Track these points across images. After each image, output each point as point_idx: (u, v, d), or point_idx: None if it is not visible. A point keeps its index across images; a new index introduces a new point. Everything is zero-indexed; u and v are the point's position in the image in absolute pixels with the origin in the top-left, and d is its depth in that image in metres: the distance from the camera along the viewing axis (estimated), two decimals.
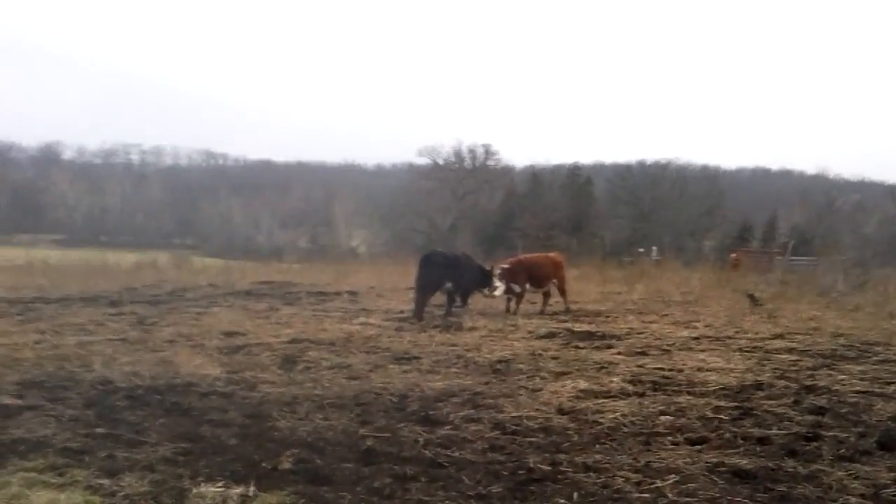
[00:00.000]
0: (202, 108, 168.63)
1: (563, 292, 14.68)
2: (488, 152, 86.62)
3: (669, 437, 5.49)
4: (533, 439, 5.47)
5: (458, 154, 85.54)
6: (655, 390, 7.06)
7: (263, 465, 4.88)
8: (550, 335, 10.74)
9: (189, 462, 4.95)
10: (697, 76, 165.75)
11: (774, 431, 5.58)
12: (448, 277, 12.92)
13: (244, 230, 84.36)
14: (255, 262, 40.42)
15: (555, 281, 14.45)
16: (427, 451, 5.15)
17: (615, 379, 7.41)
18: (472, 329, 11.31)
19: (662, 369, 8.05)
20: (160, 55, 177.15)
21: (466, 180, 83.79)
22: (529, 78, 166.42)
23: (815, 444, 5.31)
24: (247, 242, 78.78)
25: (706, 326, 11.78)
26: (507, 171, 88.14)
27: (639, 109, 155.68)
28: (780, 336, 10.65)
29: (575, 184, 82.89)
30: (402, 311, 13.30)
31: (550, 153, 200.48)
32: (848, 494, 4.39)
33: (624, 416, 6.04)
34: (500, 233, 73.44)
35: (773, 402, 6.57)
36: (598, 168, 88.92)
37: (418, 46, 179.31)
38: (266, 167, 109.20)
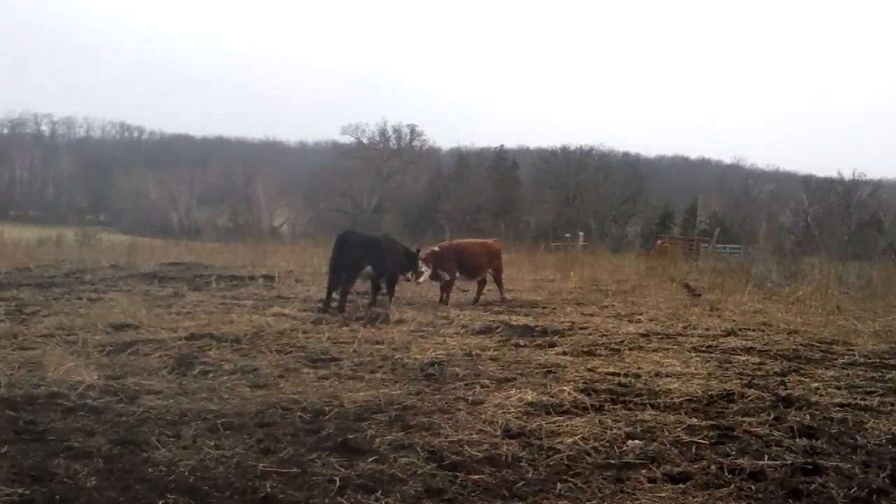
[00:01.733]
0: (117, 76, 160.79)
1: (498, 282, 13.67)
2: (414, 132, 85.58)
3: (644, 472, 4.47)
4: (479, 476, 4.37)
5: (382, 133, 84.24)
6: (614, 402, 6.06)
7: None
8: (487, 330, 9.70)
9: None
10: (619, 64, 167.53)
11: (767, 462, 4.63)
12: (368, 260, 11.68)
13: (160, 206, 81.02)
14: (168, 240, 38.35)
15: (490, 270, 13.42)
16: (344, 501, 3.99)
17: (566, 388, 6.38)
18: (400, 322, 10.16)
19: (617, 374, 7.07)
20: (68, 10, 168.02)
21: (391, 160, 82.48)
22: (454, 60, 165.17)
23: (818, 479, 4.38)
24: (163, 219, 75.76)
25: (651, 321, 10.95)
26: (433, 153, 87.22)
27: (562, 96, 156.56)
28: (732, 333, 9.87)
29: (501, 167, 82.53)
30: (321, 300, 12.04)
31: (476, 136, 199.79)
32: None
33: (585, 440, 5.01)
34: (426, 215, 72.54)
35: (750, 419, 5.65)
36: (524, 152, 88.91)
37: (344, 23, 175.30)
38: (184, 141, 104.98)
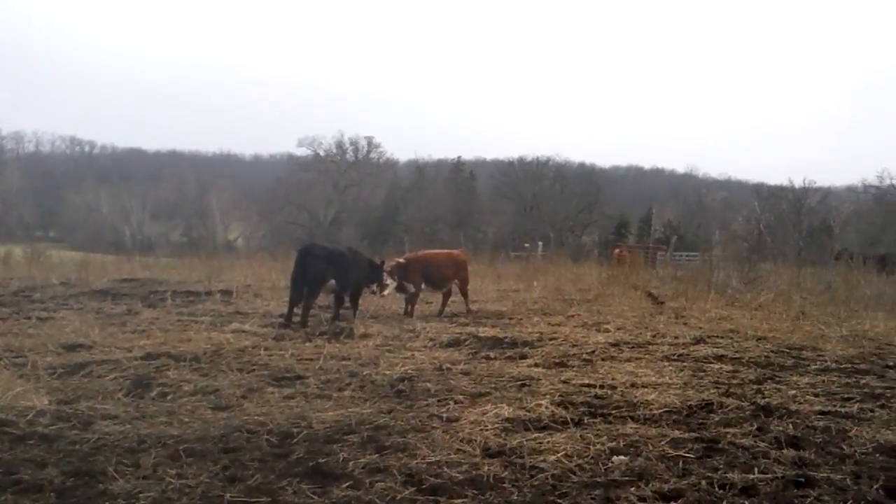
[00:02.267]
0: (66, 90, 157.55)
1: (464, 294, 13.46)
2: (371, 144, 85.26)
3: (633, 490, 4.27)
4: (461, 500, 4.13)
5: (339, 146, 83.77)
6: (593, 416, 5.87)
7: None
8: (455, 343, 9.47)
9: None
10: (573, 76, 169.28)
11: (758, 476, 4.47)
12: (331, 274, 11.35)
13: (112, 222, 79.26)
14: (121, 256, 37.40)
15: (456, 282, 13.19)
16: None
17: (543, 402, 6.17)
18: (365, 337, 9.87)
19: (592, 386, 6.89)
20: (14, 24, 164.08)
21: (348, 173, 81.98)
22: (411, 73, 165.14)
23: (811, 492, 4.23)
24: (115, 235, 74.10)
25: (619, 329, 10.83)
26: (391, 165, 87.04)
27: (518, 108, 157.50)
28: (701, 341, 9.79)
29: (459, 178, 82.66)
30: (281, 315, 11.69)
31: (433, 148, 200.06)
32: None
33: (568, 457, 4.79)
34: (384, 227, 72.20)
35: (734, 430, 5.50)
36: (480, 164, 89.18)
37: (299, 36, 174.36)
38: (136, 156, 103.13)
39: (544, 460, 4.73)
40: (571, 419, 5.71)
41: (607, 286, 18.45)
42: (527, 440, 5.14)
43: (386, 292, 12.31)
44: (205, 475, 4.45)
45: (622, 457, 4.79)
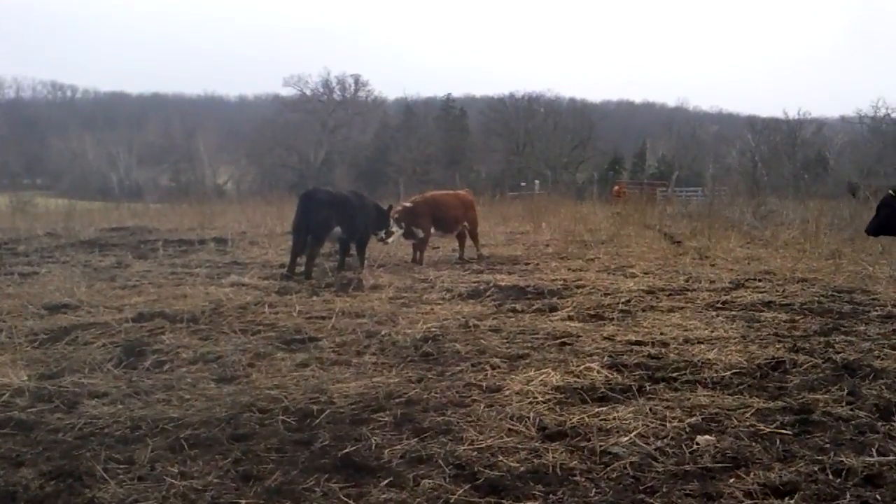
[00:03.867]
0: (45, 34, 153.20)
1: (474, 237, 12.63)
2: (358, 83, 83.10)
3: (733, 481, 3.53)
4: (532, 503, 3.39)
5: (326, 85, 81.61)
6: (654, 381, 5.11)
7: None
8: (475, 294, 8.68)
9: None
10: (561, 9, 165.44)
11: (878, 459, 3.74)
12: (336, 220, 10.48)
13: (99, 168, 77.58)
14: (109, 203, 36.38)
15: (465, 224, 12.35)
16: None
17: (592, 365, 5.42)
18: (376, 289, 9.08)
19: (642, 344, 6.14)
20: None
21: (336, 112, 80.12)
22: (396, 9, 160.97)
23: None
24: (103, 181, 72.62)
25: (646, 274, 10.09)
26: (379, 104, 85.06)
27: (506, 43, 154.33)
28: (740, 285, 9.06)
29: (450, 116, 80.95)
30: (282, 265, 10.89)
31: (421, 86, 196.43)
32: None
33: (643, 437, 4.05)
34: (375, 167, 70.91)
35: (821, 396, 4.76)
36: (470, 101, 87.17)
37: None
38: (119, 99, 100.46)
39: (616, 443, 3.98)
40: (631, 386, 4.95)
41: (618, 226, 17.65)
42: (588, 416, 4.39)
43: (392, 240, 11.46)
44: (213, 474, 3.69)
45: (708, 437, 4.04)
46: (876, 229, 7.72)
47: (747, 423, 4.25)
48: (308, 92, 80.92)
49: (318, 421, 4.41)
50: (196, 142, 77.17)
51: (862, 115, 73.56)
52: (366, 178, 63.80)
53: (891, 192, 7.53)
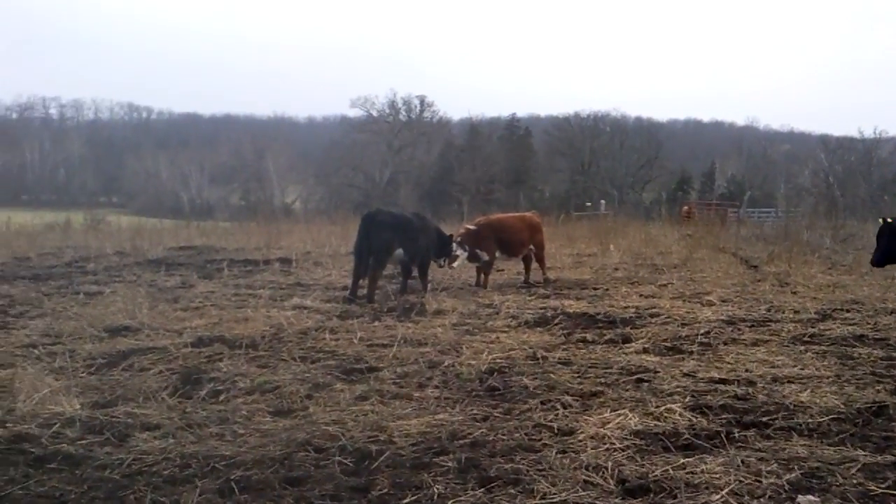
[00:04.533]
0: (123, 58, 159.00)
1: (541, 260, 12.24)
2: (424, 104, 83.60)
3: None
4: None
5: (392, 106, 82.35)
6: (743, 426, 4.66)
7: None
8: (542, 322, 8.30)
9: None
10: (626, 27, 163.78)
11: None
12: (399, 242, 10.24)
13: (172, 187, 79.74)
14: (179, 221, 37.06)
15: (531, 247, 11.97)
16: None
17: (674, 406, 4.99)
18: (439, 314, 8.78)
19: (726, 383, 5.67)
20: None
21: (402, 133, 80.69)
22: (461, 30, 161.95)
23: None
24: (175, 200, 74.57)
25: (724, 302, 9.55)
26: (444, 124, 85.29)
27: (570, 62, 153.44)
28: (827, 316, 8.47)
29: (514, 136, 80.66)
30: (345, 287, 10.69)
31: (486, 106, 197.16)
32: None
33: (737, 496, 3.62)
34: (440, 187, 70.99)
35: None
36: (534, 120, 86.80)
37: None
38: (192, 120, 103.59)
39: (707, 502, 3.56)
40: (718, 432, 4.51)
41: (690, 249, 17.00)
42: (672, 468, 3.98)
43: (457, 263, 11.16)
44: None
45: (811, 497, 3.59)
46: (880, 260, 7.25)
47: (854, 482, 3.78)
48: (375, 113, 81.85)
49: (376, 464, 4.11)
50: (266, 162, 78.66)
51: None
52: (430, 198, 63.95)
53: (881, 220, 7.13)
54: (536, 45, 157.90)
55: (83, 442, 4.52)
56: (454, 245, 11.04)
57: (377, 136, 79.35)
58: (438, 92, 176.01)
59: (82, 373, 6.10)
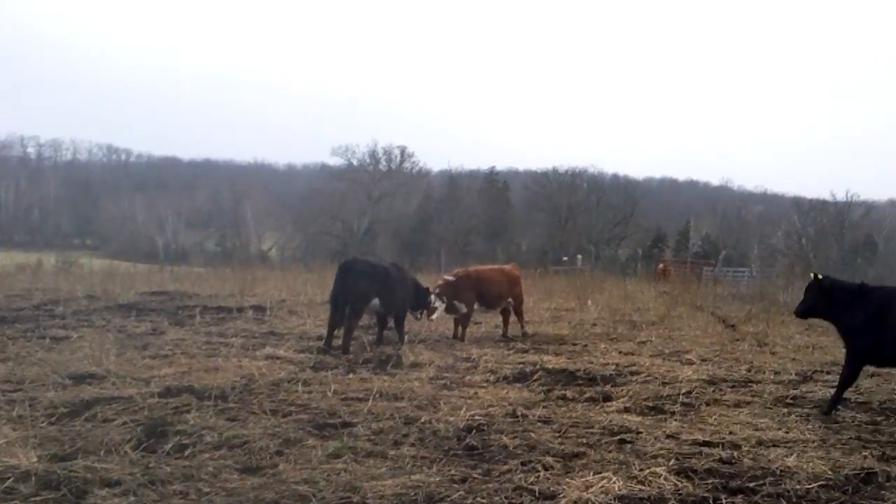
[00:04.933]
0: (103, 99, 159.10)
1: (519, 314, 12.10)
2: (404, 154, 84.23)
3: None
4: None
5: (373, 155, 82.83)
6: (730, 492, 4.51)
7: None
8: (522, 377, 8.13)
9: None
10: (606, 87, 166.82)
11: None
12: (375, 292, 10.08)
13: (147, 231, 79.05)
14: (153, 265, 36.60)
15: (510, 300, 11.86)
16: None
17: (658, 470, 4.83)
18: (416, 367, 8.58)
19: (711, 445, 5.53)
20: (54, 37, 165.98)
21: (382, 182, 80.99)
22: (443, 83, 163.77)
23: None
24: (150, 244, 73.90)
25: (704, 361, 9.45)
26: (424, 175, 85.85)
27: (550, 119, 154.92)
28: (808, 378, 8.39)
29: (492, 189, 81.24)
30: (320, 337, 10.46)
31: (465, 158, 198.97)
32: None
33: None
34: (418, 238, 71.09)
35: None
36: (513, 174, 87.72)
37: (332, 46, 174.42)
38: (171, 164, 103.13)
39: None
40: (705, 498, 4.36)
41: (667, 306, 16.97)
42: None
43: (435, 316, 11.01)
44: None
45: None
46: (804, 312, 7.35)
47: None
48: (355, 162, 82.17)
49: None
50: (244, 208, 78.40)
51: None
52: (408, 249, 63.92)
53: (812, 275, 7.25)
54: (517, 100, 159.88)
55: (37, 499, 4.27)
56: (433, 297, 10.89)
57: (357, 185, 79.54)
58: (419, 142, 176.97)
59: (42, 422, 5.82)
